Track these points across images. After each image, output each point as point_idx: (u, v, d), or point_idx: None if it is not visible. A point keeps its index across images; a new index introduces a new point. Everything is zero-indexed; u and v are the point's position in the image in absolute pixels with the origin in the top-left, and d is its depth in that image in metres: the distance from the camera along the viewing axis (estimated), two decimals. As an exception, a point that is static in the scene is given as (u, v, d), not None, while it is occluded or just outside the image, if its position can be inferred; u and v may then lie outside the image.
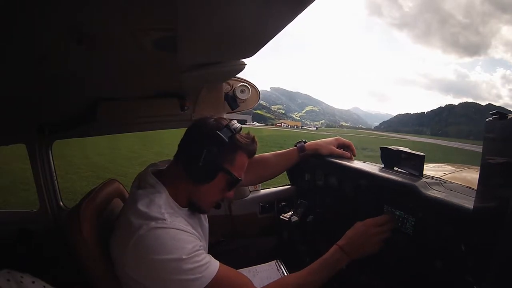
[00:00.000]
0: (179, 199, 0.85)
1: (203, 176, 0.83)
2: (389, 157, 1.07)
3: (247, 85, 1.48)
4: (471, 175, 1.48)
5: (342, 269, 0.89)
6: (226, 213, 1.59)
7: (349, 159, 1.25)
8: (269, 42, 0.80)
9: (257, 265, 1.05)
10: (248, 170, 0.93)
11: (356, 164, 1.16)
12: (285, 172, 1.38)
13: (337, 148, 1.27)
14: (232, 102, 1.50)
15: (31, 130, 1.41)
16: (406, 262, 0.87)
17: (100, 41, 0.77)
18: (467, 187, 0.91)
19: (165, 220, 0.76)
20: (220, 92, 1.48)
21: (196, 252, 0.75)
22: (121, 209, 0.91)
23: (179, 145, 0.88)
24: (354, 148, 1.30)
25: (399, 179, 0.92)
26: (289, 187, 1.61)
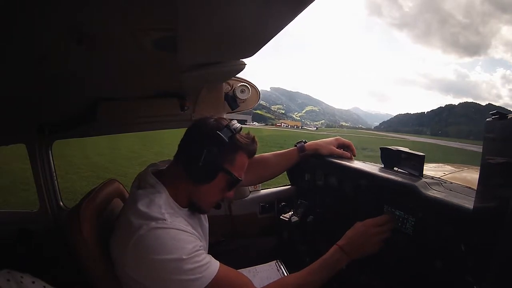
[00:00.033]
0: (179, 199, 0.85)
1: (203, 176, 0.83)
2: (389, 157, 1.07)
3: (247, 85, 1.48)
4: (471, 175, 1.48)
5: (342, 269, 0.89)
6: (226, 213, 1.59)
7: (349, 159, 1.25)
8: (269, 42, 0.80)
9: (257, 265, 1.04)
10: (248, 170, 0.93)
11: (356, 164, 1.16)
12: (285, 172, 1.38)
13: (337, 148, 1.27)
14: (232, 102, 1.50)
15: (31, 130, 1.41)
16: (406, 262, 0.87)
17: (100, 41, 0.77)
18: (467, 187, 0.91)
19: (165, 220, 0.76)
20: (220, 92, 1.48)
21: (196, 252, 0.75)
22: (121, 209, 0.91)
23: (179, 145, 0.88)
24: (354, 148, 1.30)
25: (399, 179, 0.92)
26: (289, 187, 1.61)
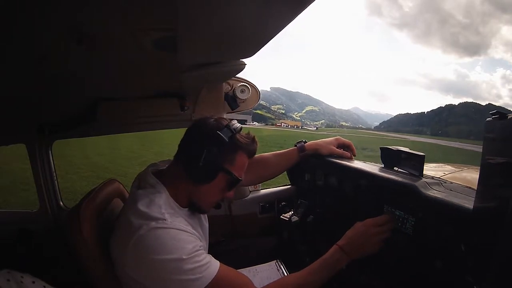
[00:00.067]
0: (179, 199, 0.85)
1: (203, 176, 0.83)
2: (389, 157, 1.07)
3: (247, 85, 1.48)
4: (471, 175, 1.48)
5: (342, 269, 0.89)
6: (226, 213, 1.59)
7: (349, 159, 1.25)
8: (269, 42, 0.80)
9: (257, 265, 1.04)
10: (248, 170, 0.93)
11: (356, 164, 1.16)
12: (285, 172, 1.38)
13: (337, 148, 1.27)
14: (232, 102, 1.50)
15: (31, 130, 1.41)
16: (406, 262, 0.87)
17: (100, 41, 0.77)
18: (467, 187, 0.91)
19: (165, 220, 0.76)
20: (220, 92, 1.48)
21: (197, 252, 0.75)
22: (121, 209, 0.91)
23: (179, 145, 0.88)
24: (354, 148, 1.30)
25: (399, 179, 0.92)
26: (289, 187, 1.61)
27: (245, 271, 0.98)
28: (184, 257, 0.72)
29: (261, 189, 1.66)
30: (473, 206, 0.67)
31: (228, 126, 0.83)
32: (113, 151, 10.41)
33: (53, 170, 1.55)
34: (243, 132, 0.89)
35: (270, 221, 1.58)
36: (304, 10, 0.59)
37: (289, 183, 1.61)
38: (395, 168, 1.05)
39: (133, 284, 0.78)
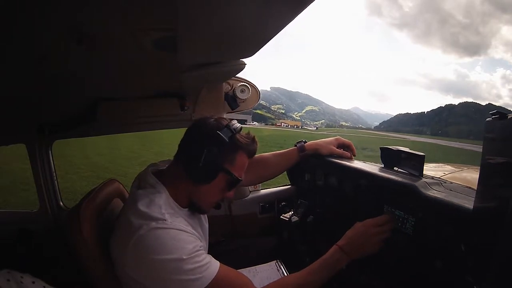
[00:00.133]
0: (179, 199, 0.85)
1: (203, 176, 0.83)
2: (389, 157, 1.07)
3: (247, 85, 1.48)
4: (471, 175, 1.49)
5: (342, 269, 0.89)
6: (226, 213, 1.59)
7: (349, 159, 1.25)
8: (269, 42, 0.80)
9: (257, 265, 1.04)
10: (248, 170, 0.93)
11: (356, 164, 1.16)
12: (285, 172, 1.38)
13: (337, 148, 1.27)
14: (232, 102, 1.50)
15: (31, 130, 1.41)
16: (406, 262, 0.87)
17: (100, 41, 0.77)
18: (467, 187, 0.91)
19: (165, 220, 0.76)
20: (220, 92, 1.48)
21: (197, 253, 0.75)
22: (121, 209, 0.91)
23: (179, 145, 0.88)
24: (354, 148, 1.30)
25: (399, 179, 0.92)
26: (289, 187, 1.61)
27: (245, 271, 0.98)
28: (184, 257, 0.72)
29: (261, 189, 1.66)
30: (473, 206, 0.67)
31: (228, 126, 0.83)
32: (113, 151, 10.41)
33: (53, 170, 1.55)
34: (243, 132, 0.89)
35: (270, 221, 1.58)
36: (304, 10, 0.59)
37: (289, 183, 1.61)
38: (395, 168, 1.04)
39: (133, 284, 0.78)
